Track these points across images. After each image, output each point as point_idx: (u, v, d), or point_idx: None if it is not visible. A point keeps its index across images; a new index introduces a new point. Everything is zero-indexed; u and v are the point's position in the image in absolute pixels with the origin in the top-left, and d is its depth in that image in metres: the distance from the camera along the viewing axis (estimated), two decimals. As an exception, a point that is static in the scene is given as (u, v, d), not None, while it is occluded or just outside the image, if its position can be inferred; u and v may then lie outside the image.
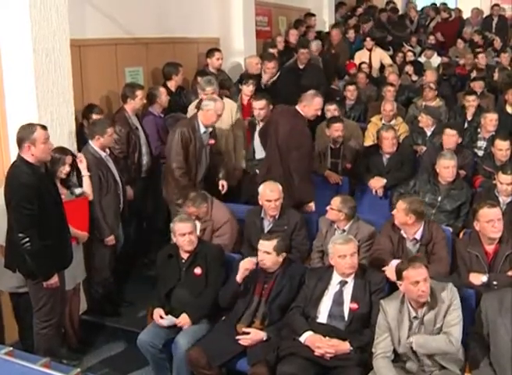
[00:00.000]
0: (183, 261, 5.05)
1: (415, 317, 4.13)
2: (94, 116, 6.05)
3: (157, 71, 7.50)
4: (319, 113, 6.15)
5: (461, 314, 4.13)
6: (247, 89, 7.41)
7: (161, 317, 4.90)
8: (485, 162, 6.53)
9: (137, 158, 6.29)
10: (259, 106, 6.76)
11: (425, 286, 4.05)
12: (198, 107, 6.30)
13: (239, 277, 4.76)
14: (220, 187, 6.33)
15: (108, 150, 5.75)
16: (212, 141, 6.25)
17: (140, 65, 7.28)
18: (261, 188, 5.56)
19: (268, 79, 8.15)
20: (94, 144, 5.60)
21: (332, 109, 7.69)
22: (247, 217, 5.71)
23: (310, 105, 5.94)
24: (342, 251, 4.51)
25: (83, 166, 5.44)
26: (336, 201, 5.31)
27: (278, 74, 8.23)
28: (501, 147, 6.31)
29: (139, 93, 6.32)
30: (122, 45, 6.93)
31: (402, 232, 5.05)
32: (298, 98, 6.09)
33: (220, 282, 4.99)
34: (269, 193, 5.45)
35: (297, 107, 6.00)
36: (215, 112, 6.06)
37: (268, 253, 4.74)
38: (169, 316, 4.92)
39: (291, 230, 5.46)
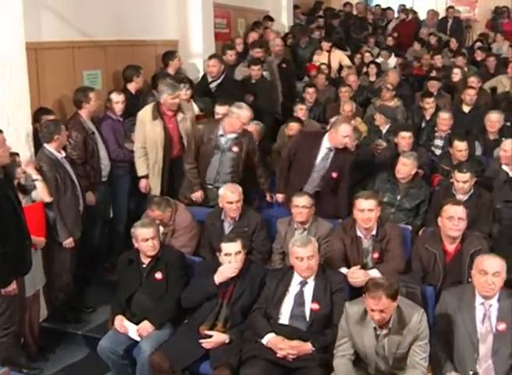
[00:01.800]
0: (144, 266, 5.02)
1: (376, 328, 4.09)
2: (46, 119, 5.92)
3: (115, 74, 7.43)
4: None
5: (428, 342, 4.10)
6: (184, 93, 7.15)
7: (122, 324, 4.88)
8: (442, 161, 6.65)
9: (96, 163, 6.22)
10: (222, 111, 6.68)
11: (387, 312, 3.96)
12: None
13: (218, 281, 4.76)
14: (269, 199, 6.38)
15: (63, 152, 5.69)
16: (236, 149, 6.10)
17: (98, 68, 7.20)
18: (221, 191, 5.57)
19: (211, 80, 8.01)
20: (51, 146, 5.53)
21: (298, 109, 7.83)
22: (207, 220, 5.69)
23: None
24: (299, 254, 4.52)
25: (31, 170, 5.36)
26: (306, 199, 5.33)
27: (223, 76, 8.04)
28: (460, 148, 6.41)
29: (92, 95, 6.25)
30: (79, 48, 6.84)
31: (357, 231, 5.09)
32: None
33: (181, 286, 4.97)
34: (230, 195, 5.45)
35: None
36: (238, 120, 5.98)
37: (239, 252, 4.77)
38: (130, 324, 4.88)
39: (251, 231, 5.47)
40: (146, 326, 4.82)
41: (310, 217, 5.38)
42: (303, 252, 4.51)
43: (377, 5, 15.05)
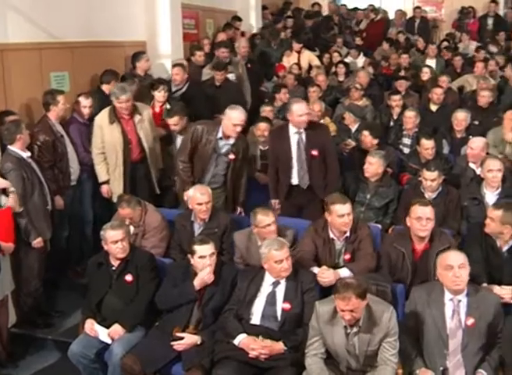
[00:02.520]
0: (114, 268, 4.98)
1: (346, 327, 4.12)
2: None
3: (83, 76, 7.38)
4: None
5: (398, 339, 4.14)
6: (159, 95, 7.21)
7: (93, 328, 4.83)
8: (410, 160, 6.73)
9: (65, 167, 6.17)
10: (173, 122, 6.66)
11: (357, 312, 4.00)
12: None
13: (198, 286, 4.75)
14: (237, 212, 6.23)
15: (28, 151, 5.63)
16: (232, 156, 5.97)
17: (65, 69, 7.12)
18: (191, 192, 5.54)
19: (176, 89, 7.89)
20: (15, 147, 5.48)
21: (267, 111, 7.82)
22: (177, 221, 5.65)
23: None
24: (278, 257, 4.51)
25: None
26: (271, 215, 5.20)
27: (187, 86, 7.91)
28: (427, 146, 6.49)
29: (60, 98, 6.19)
30: (46, 50, 6.76)
31: (330, 233, 5.09)
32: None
33: (152, 288, 4.94)
34: (200, 196, 5.42)
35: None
36: (229, 122, 5.83)
37: (213, 254, 4.76)
38: (101, 328, 4.84)
39: (221, 232, 5.45)
40: (117, 329, 4.78)
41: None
42: (281, 255, 4.52)
43: (343, 5, 15.12)
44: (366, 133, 6.72)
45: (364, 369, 4.17)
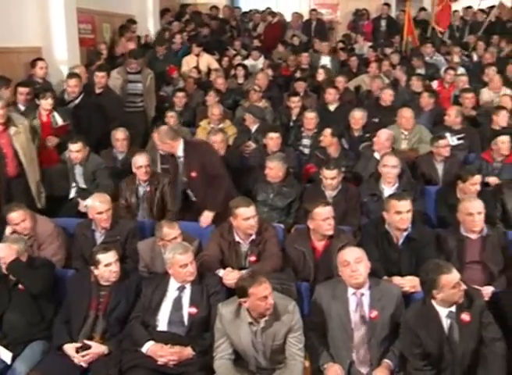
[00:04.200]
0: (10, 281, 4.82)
1: (251, 323, 4.17)
2: None
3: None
4: None
5: (303, 333, 4.23)
6: (45, 103, 6.89)
7: None
8: (311, 160, 6.88)
9: None
10: (75, 149, 6.41)
11: (271, 298, 4.09)
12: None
13: None
14: None
15: None
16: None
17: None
18: (89, 201, 5.43)
19: (69, 100, 7.57)
20: None
21: (169, 116, 7.80)
22: (77, 230, 5.53)
23: None
24: (183, 261, 4.49)
25: None
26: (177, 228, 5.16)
27: (81, 97, 7.59)
28: (325, 134, 6.75)
29: None
30: None
31: (236, 236, 5.10)
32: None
33: (50, 299, 4.83)
34: (99, 205, 5.33)
35: None
36: (133, 167, 6.00)
37: (118, 260, 4.69)
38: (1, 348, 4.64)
39: (124, 239, 5.37)
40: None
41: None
42: (186, 259, 4.50)
43: (236, 7, 15.21)
44: (275, 135, 6.80)
45: (274, 367, 4.22)
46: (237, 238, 5.10)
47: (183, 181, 5.97)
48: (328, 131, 6.79)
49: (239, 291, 4.15)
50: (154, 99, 8.86)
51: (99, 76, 7.99)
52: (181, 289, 4.57)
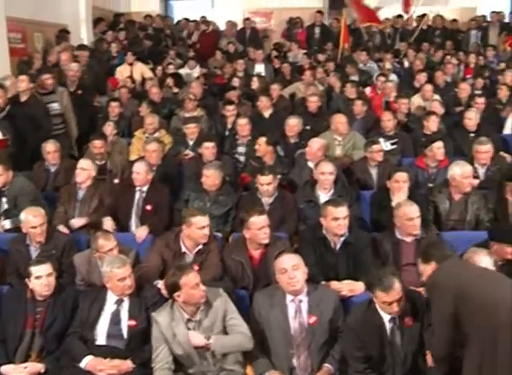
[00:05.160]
0: None
1: (190, 320, 4.21)
2: None
3: None
4: None
5: (240, 316, 4.30)
6: None
7: None
8: (246, 169, 6.91)
9: None
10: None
11: (202, 285, 4.18)
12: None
13: None
14: None
15: None
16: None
17: None
18: (23, 216, 5.30)
19: None
20: None
21: (106, 127, 7.70)
22: (11, 246, 5.38)
23: None
24: (121, 275, 4.44)
25: None
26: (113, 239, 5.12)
27: (8, 108, 7.31)
28: (260, 142, 6.78)
29: None
30: None
31: (182, 247, 5.08)
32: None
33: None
34: (33, 219, 5.22)
35: None
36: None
37: (51, 274, 4.59)
38: None
39: (60, 253, 5.28)
40: None
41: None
42: (123, 273, 4.45)
43: (167, 17, 15.19)
44: (210, 144, 6.78)
45: (218, 365, 4.22)
46: (183, 249, 5.08)
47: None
48: (262, 140, 6.81)
49: (170, 288, 4.21)
50: (73, 118, 8.28)
51: (20, 80, 7.61)
52: (119, 302, 4.51)
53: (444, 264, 3.85)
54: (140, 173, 6.10)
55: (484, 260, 4.21)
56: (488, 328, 3.39)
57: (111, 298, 4.53)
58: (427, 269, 3.98)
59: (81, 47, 10.16)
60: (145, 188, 6.15)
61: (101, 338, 4.45)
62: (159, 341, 4.23)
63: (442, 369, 3.77)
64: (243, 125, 7.52)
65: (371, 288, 4.05)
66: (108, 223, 5.94)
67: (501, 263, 4.57)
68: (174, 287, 4.16)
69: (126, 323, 4.46)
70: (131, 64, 10.66)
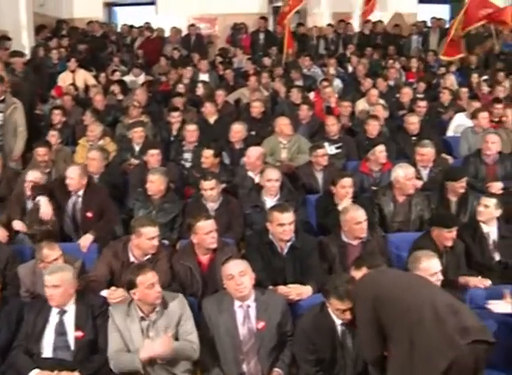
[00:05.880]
0: None
1: (143, 318, 4.21)
2: None
3: None
4: None
5: (194, 323, 4.32)
6: None
7: None
8: (190, 179, 6.88)
9: None
10: None
11: (159, 286, 4.22)
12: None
13: None
14: None
15: None
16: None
17: None
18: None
19: None
20: None
21: (50, 135, 7.55)
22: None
23: None
24: (53, 283, 4.36)
25: None
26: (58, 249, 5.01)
27: None
28: (206, 155, 6.69)
29: None
30: None
31: (130, 256, 5.03)
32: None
33: None
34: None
35: None
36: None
37: None
38: None
39: (3, 265, 5.16)
40: None
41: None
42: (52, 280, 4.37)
43: (110, 24, 15.06)
44: (155, 152, 6.74)
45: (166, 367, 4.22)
46: (132, 258, 5.03)
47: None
48: (209, 152, 6.69)
49: (128, 284, 4.25)
50: (23, 133, 7.64)
51: None
52: (62, 313, 4.43)
53: (367, 274, 4.00)
54: (74, 178, 5.98)
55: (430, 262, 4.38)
56: (403, 329, 3.46)
57: (54, 309, 4.45)
58: (357, 275, 4.11)
59: (15, 53, 9.76)
60: (81, 192, 6.03)
61: (47, 351, 4.37)
62: (114, 328, 4.29)
63: (377, 370, 3.83)
64: (192, 131, 7.51)
65: (326, 295, 4.10)
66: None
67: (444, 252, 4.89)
68: (130, 285, 4.22)
69: (72, 333, 4.39)
70: (73, 71, 10.53)
